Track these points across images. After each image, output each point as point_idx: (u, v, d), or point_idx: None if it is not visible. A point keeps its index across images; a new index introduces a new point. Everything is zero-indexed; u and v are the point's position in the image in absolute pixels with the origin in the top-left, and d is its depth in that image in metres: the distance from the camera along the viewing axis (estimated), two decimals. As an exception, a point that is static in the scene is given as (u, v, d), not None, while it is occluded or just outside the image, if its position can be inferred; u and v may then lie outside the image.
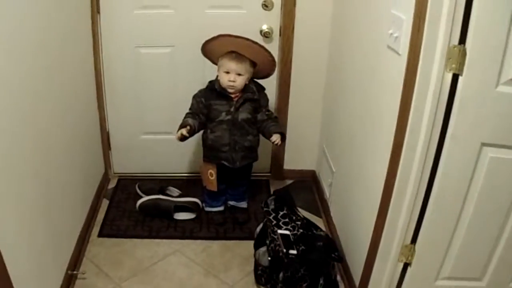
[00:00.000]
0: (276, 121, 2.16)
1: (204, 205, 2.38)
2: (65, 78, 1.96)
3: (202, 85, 2.29)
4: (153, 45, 2.40)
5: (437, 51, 1.29)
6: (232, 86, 2.03)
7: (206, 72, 2.35)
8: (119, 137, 2.62)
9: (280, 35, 2.36)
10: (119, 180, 2.69)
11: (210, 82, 2.14)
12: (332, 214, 2.34)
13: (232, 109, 2.07)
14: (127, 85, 2.48)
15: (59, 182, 1.87)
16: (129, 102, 2.53)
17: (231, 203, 2.40)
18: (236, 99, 2.08)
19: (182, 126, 2.03)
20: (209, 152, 2.18)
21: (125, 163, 2.69)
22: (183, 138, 2.02)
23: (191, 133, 2.03)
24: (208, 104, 2.09)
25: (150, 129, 2.60)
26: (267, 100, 2.19)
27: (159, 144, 2.62)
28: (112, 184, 2.66)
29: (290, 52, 2.38)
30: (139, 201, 2.37)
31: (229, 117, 2.07)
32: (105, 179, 2.65)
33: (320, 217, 2.46)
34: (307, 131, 2.62)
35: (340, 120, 2.21)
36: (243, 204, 2.40)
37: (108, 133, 2.60)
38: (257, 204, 2.48)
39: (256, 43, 1.97)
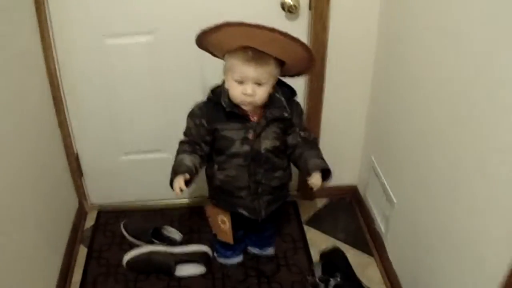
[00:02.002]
0: (316, 147, 1.47)
1: (216, 254, 1.74)
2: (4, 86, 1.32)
3: (200, 90, 1.59)
4: (125, 33, 1.65)
5: None
6: (250, 102, 1.33)
7: (205, 69, 1.64)
8: (92, 160, 1.93)
9: (309, 8, 1.62)
10: (99, 214, 2.02)
11: (213, 91, 1.40)
12: (390, 255, 1.71)
13: (250, 136, 1.37)
14: (94, 90, 1.76)
15: (16, 233, 1.32)
16: (100, 114, 1.81)
17: (253, 250, 1.75)
18: (256, 119, 1.38)
19: (176, 170, 1.34)
20: (218, 195, 1.50)
21: (105, 191, 2.02)
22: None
23: (191, 180, 1.35)
24: (213, 129, 1.39)
25: (132, 147, 1.91)
26: (301, 112, 1.47)
27: (145, 166, 1.94)
28: (90, 221, 1.99)
29: (325, 33, 1.64)
30: (126, 257, 1.71)
31: (246, 147, 1.38)
32: (81, 213, 1.99)
33: (371, 255, 1.82)
34: (346, 138, 1.94)
35: (403, 131, 1.53)
36: (270, 251, 1.75)
37: (77, 156, 1.90)
38: (286, 242, 1.85)
39: (284, 33, 1.23)
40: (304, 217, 1.99)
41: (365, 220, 1.94)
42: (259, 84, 1.29)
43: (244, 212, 1.47)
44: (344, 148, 1.96)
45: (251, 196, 1.44)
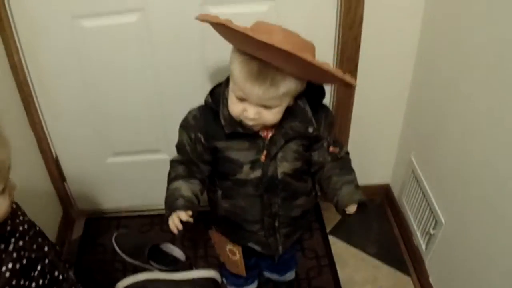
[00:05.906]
0: (349, 167, 1.11)
1: (225, 281, 1.46)
2: None
3: (202, 78, 1.29)
4: (104, 12, 1.29)
5: None
6: (253, 125, 0.98)
7: (206, 50, 1.31)
8: (74, 163, 1.63)
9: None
10: (87, 222, 1.75)
11: (212, 93, 1.04)
12: (431, 278, 1.42)
13: (263, 158, 1.03)
14: (71, 83, 1.42)
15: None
16: (80, 110, 1.49)
17: (270, 276, 1.46)
18: (268, 134, 1.03)
19: (171, 205, 1.01)
20: (225, 226, 1.19)
21: (93, 196, 1.73)
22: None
23: (194, 213, 1.02)
24: (212, 147, 1.05)
25: (122, 147, 1.60)
26: (331, 122, 1.11)
27: (140, 168, 1.64)
28: (77, 231, 1.72)
29: (360, 4, 1.27)
30: (119, 286, 1.45)
31: (258, 173, 1.05)
32: (67, 222, 1.72)
33: (408, 274, 1.53)
34: (382, 131, 1.61)
35: (456, 128, 1.19)
36: (290, 275, 1.46)
37: (56, 159, 1.61)
38: (308, 259, 1.58)
39: (309, 60, 0.83)
40: (329, 225, 1.69)
41: (401, 229, 1.64)
42: (265, 107, 0.94)
43: (257, 247, 1.17)
44: (377, 140, 1.63)
45: (265, 231, 1.13)
